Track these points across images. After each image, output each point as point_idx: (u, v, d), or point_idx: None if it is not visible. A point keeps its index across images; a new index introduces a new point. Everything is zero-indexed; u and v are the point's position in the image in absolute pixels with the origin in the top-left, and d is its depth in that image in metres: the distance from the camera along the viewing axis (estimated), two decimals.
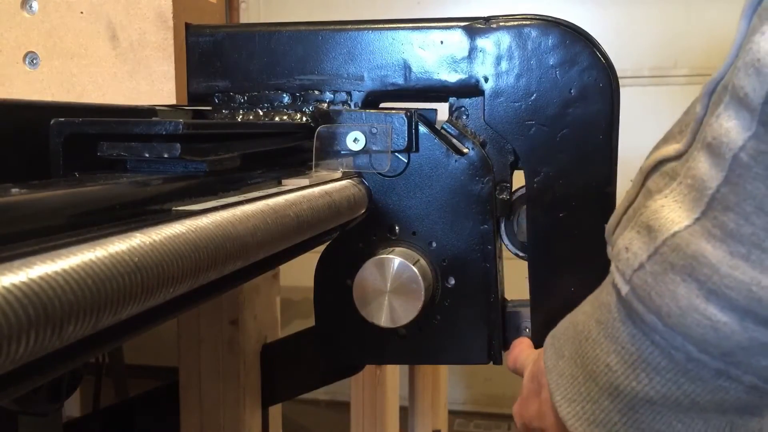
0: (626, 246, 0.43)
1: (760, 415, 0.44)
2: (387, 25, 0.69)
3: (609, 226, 0.49)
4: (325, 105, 0.70)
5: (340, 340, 0.72)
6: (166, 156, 0.46)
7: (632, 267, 0.42)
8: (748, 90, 0.36)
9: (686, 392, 0.42)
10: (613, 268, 0.46)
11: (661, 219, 0.41)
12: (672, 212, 0.40)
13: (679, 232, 0.39)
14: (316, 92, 0.71)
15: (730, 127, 0.37)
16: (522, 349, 0.67)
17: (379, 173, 0.68)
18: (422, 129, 0.68)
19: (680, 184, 0.41)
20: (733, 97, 0.37)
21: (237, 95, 0.72)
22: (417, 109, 0.69)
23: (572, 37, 0.65)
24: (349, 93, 0.70)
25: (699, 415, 0.43)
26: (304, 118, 0.70)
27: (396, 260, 0.65)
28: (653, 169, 0.44)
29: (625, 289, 0.43)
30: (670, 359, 0.42)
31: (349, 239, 0.70)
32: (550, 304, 0.68)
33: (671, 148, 0.43)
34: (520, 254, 0.71)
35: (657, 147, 0.46)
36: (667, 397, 0.43)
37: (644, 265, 0.41)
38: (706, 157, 0.39)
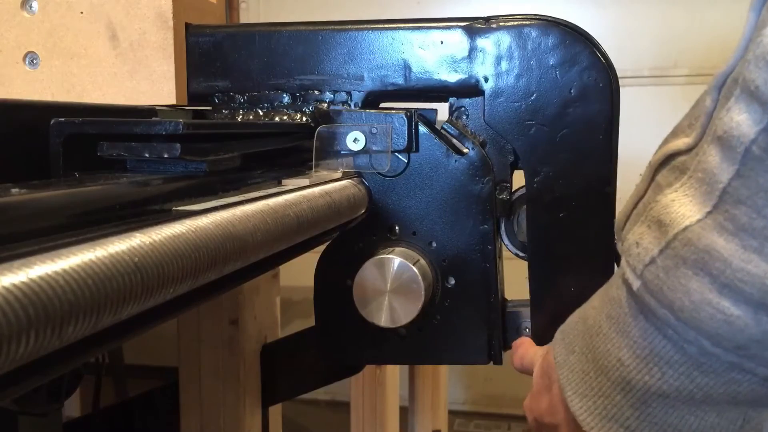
0: (637, 241, 0.43)
1: None
2: (387, 25, 0.69)
3: (618, 221, 0.48)
4: (325, 105, 0.70)
5: (340, 340, 0.72)
6: (166, 156, 0.46)
7: (643, 262, 0.42)
8: (759, 83, 0.35)
9: (699, 385, 0.42)
10: (623, 262, 0.45)
11: (672, 213, 0.41)
12: (683, 206, 0.40)
13: (690, 226, 0.39)
14: (316, 92, 0.71)
15: (741, 120, 0.37)
16: (526, 348, 0.67)
17: (379, 173, 0.68)
18: (422, 129, 0.68)
19: (691, 178, 0.40)
20: (744, 90, 0.37)
21: (237, 95, 0.72)
22: (417, 109, 0.69)
23: (572, 37, 0.65)
24: (349, 93, 0.70)
25: (712, 408, 0.43)
26: (304, 118, 0.70)
27: (396, 260, 0.65)
28: (662, 163, 0.44)
29: (636, 283, 0.43)
30: (683, 353, 0.41)
31: (349, 239, 0.70)
32: (550, 304, 0.68)
33: (681, 142, 0.43)
34: (520, 254, 0.71)
35: (666, 141, 0.45)
36: (680, 390, 0.43)
37: (656, 259, 0.41)
38: (717, 151, 0.38)
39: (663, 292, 0.41)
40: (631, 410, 0.46)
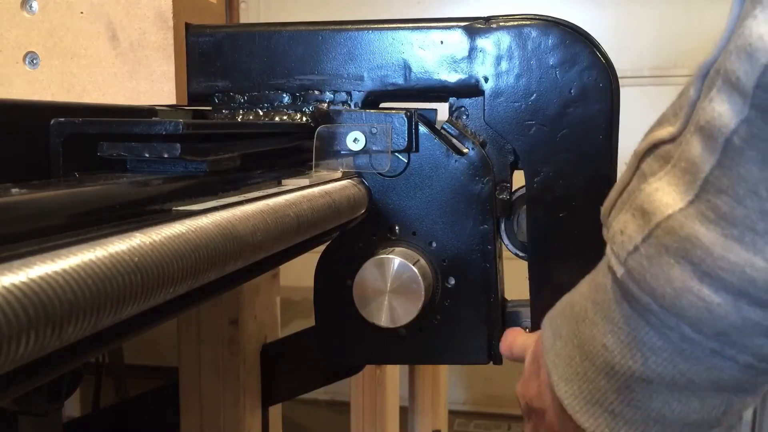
0: (621, 229, 0.44)
1: (755, 392, 0.44)
2: (387, 25, 0.69)
3: (604, 208, 0.49)
4: (325, 105, 0.70)
5: (340, 340, 0.72)
6: (166, 156, 0.46)
7: (627, 249, 0.43)
8: (740, 74, 0.36)
9: (682, 371, 0.42)
10: (608, 250, 0.46)
11: (655, 202, 0.41)
12: (666, 195, 0.41)
13: (672, 215, 0.40)
14: (316, 92, 0.71)
15: (723, 111, 0.37)
16: (515, 335, 0.67)
17: (379, 173, 0.68)
18: (422, 129, 0.68)
19: (674, 167, 0.41)
20: (725, 81, 0.37)
21: (237, 95, 0.72)
22: (417, 109, 0.69)
23: (572, 37, 0.65)
24: (349, 93, 0.70)
25: (695, 394, 0.44)
26: (304, 118, 0.70)
27: (396, 260, 0.65)
28: (647, 151, 0.45)
29: (620, 271, 0.43)
30: (666, 339, 0.42)
31: (349, 239, 0.70)
32: (551, 304, 0.68)
33: (665, 131, 0.43)
34: (520, 254, 0.71)
35: (651, 130, 0.46)
36: (663, 376, 0.43)
37: (639, 247, 0.42)
38: (699, 141, 0.39)
39: (645, 280, 0.41)
40: (615, 395, 0.46)
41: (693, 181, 0.39)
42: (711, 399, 0.44)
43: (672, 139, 0.42)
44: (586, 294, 0.49)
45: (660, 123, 0.45)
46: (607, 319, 0.46)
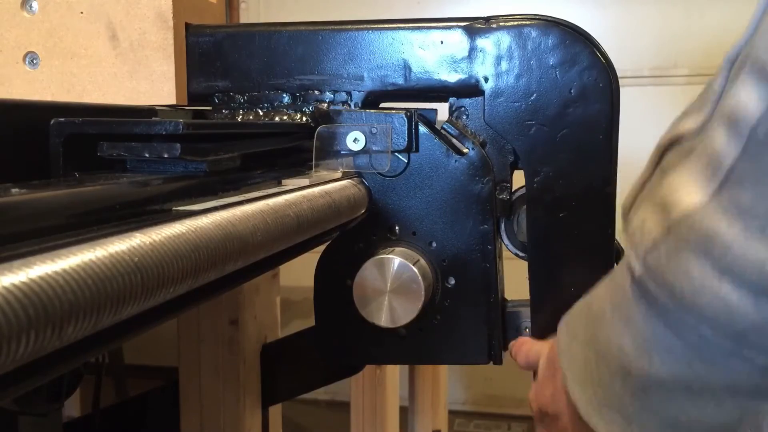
0: (641, 225, 0.42)
1: None
2: (387, 25, 0.69)
3: (624, 204, 0.48)
4: (325, 105, 0.70)
5: (340, 340, 0.72)
6: (166, 156, 0.46)
7: (646, 246, 0.41)
8: (767, 63, 0.35)
9: (698, 374, 0.41)
10: (627, 247, 0.45)
11: (675, 196, 0.40)
12: (687, 187, 0.39)
13: (693, 209, 0.38)
14: (316, 92, 0.71)
15: (748, 100, 0.36)
16: (530, 345, 0.67)
17: (379, 173, 0.68)
18: (422, 129, 0.68)
19: (697, 159, 0.39)
20: (753, 70, 0.36)
21: (237, 95, 0.72)
22: (417, 109, 0.69)
23: (572, 37, 0.65)
24: (349, 93, 0.70)
25: (711, 398, 0.42)
26: (304, 118, 0.70)
27: (396, 260, 0.65)
28: (670, 145, 0.44)
29: (639, 269, 0.42)
30: (683, 339, 0.41)
31: (349, 239, 0.70)
32: (551, 304, 0.68)
33: (690, 122, 0.42)
34: (520, 254, 0.71)
35: (676, 122, 0.44)
36: (679, 378, 0.42)
37: (658, 243, 0.40)
38: (723, 131, 0.37)
39: (664, 277, 0.40)
40: (630, 399, 0.45)
41: (715, 173, 0.37)
42: (727, 403, 0.43)
43: (697, 132, 0.41)
44: (604, 296, 0.48)
45: (686, 114, 0.44)
46: (624, 320, 0.45)
